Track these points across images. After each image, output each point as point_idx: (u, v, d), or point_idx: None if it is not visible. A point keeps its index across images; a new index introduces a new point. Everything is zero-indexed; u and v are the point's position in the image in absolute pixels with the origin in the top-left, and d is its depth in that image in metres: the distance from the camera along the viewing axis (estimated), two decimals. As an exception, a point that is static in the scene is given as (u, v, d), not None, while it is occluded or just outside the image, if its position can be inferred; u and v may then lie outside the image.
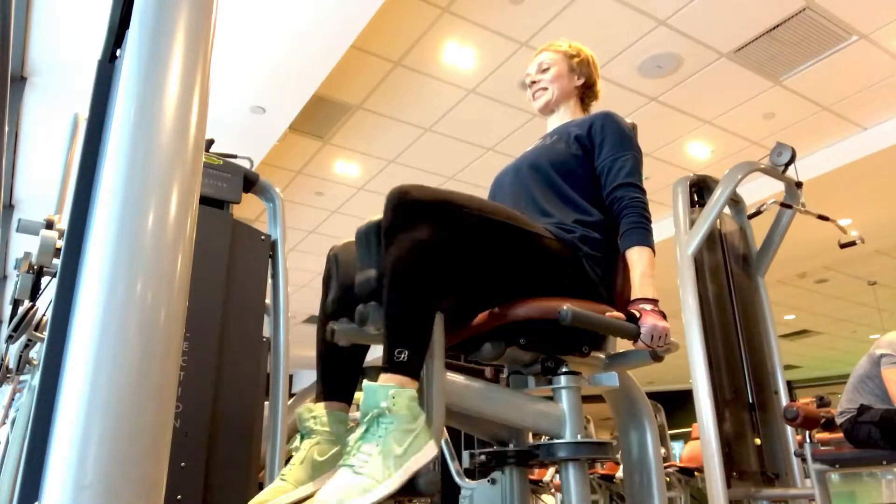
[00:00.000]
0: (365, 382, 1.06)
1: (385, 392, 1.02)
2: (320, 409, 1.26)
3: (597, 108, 1.70)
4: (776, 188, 3.74)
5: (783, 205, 3.08)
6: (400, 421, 1.01)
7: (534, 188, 1.49)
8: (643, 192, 1.42)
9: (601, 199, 1.45)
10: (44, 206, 3.74)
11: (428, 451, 1.03)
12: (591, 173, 1.48)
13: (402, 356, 1.05)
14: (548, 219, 1.40)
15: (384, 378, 1.05)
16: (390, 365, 1.05)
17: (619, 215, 1.39)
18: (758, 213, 3.16)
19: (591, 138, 1.50)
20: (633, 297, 1.30)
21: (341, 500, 0.93)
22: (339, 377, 1.33)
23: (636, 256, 1.33)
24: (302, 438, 1.25)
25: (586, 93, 1.73)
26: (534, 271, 1.29)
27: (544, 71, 1.71)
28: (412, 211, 1.12)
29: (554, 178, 1.48)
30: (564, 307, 1.14)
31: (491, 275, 1.26)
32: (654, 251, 1.35)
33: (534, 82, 1.72)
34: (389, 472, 0.98)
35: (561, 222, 1.38)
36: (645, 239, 1.35)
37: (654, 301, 1.28)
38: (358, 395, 1.21)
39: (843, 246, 3.20)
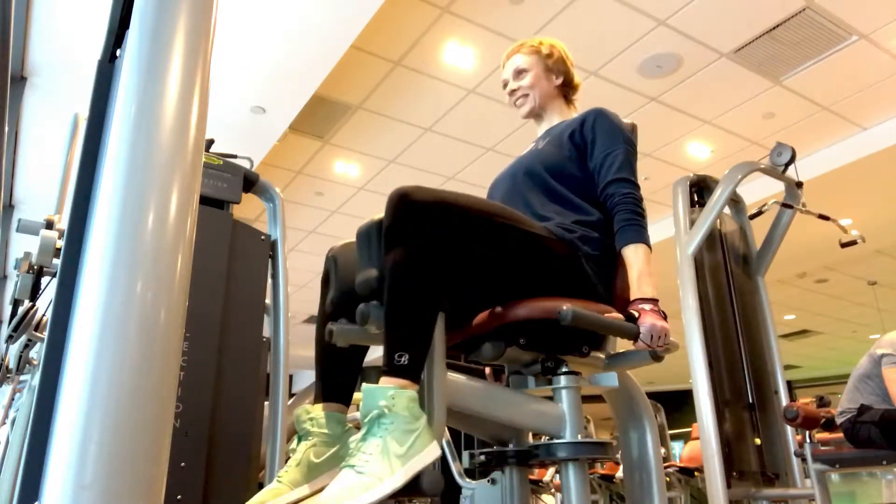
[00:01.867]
0: (364, 385, 1.05)
1: (384, 393, 1.02)
2: (317, 410, 1.27)
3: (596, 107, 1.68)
4: (776, 188, 3.74)
5: (784, 205, 3.08)
6: (400, 421, 1.01)
7: (530, 194, 1.48)
8: (636, 186, 1.41)
9: (598, 197, 1.44)
10: (44, 206, 3.74)
11: (430, 452, 1.03)
12: (587, 172, 1.47)
13: (403, 359, 1.04)
14: (546, 222, 1.38)
15: (384, 381, 1.05)
16: (390, 368, 1.05)
17: (612, 213, 1.38)
18: (759, 213, 3.16)
19: (584, 136, 1.49)
20: (632, 297, 1.29)
21: (343, 499, 0.93)
22: (337, 378, 1.33)
23: (632, 255, 1.32)
24: (299, 440, 1.26)
25: (567, 90, 1.71)
26: (534, 272, 1.28)
27: (521, 76, 1.68)
28: (413, 213, 1.12)
29: (550, 182, 1.47)
30: (564, 307, 1.14)
31: (492, 276, 1.25)
32: (649, 247, 1.34)
33: (513, 91, 1.69)
34: (391, 471, 0.98)
35: (560, 224, 1.38)
36: (639, 236, 1.33)
37: (653, 301, 1.27)
38: (357, 395, 1.21)
39: (843, 245, 3.20)
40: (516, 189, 1.52)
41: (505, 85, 1.72)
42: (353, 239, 1.27)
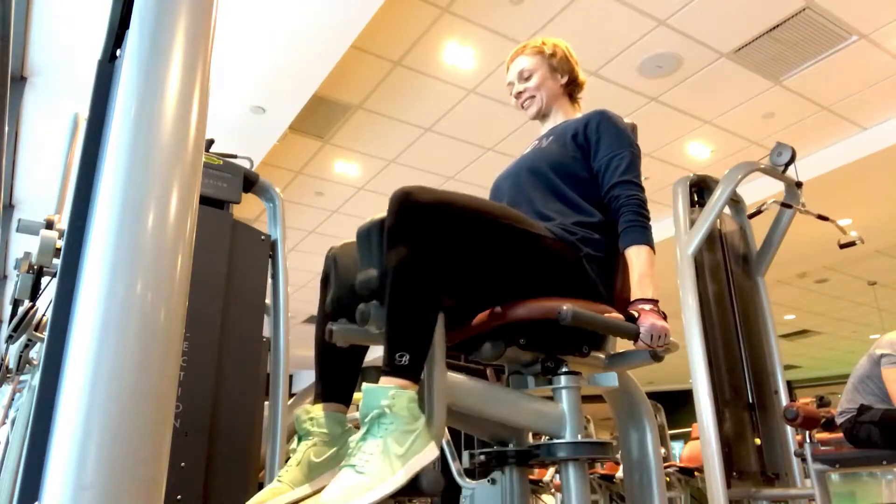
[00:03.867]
0: (364, 385, 1.06)
1: (385, 393, 1.02)
2: (317, 410, 1.27)
3: (597, 108, 1.69)
4: (776, 188, 3.74)
5: (783, 205, 3.08)
6: (400, 422, 1.02)
7: (533, 193, 1.48)
8: (641, 189, 1.41)
9: (601, 198, 1.44)
10: (44, 206, 3.74)
11: (429, 452, 1.04)
12: (590, 173, 1.47)
13: (403, 360, 1.05)
14: (548, 222, 1.39)
15: (384, 380, 1.05)
16: (391, 368, 1.05)
17: (617, 214, 1.38)
18: (758, 212, 3.16)
19: (588, 138, 1.49)
20: (632, 298, 1.30)
21: (345, 499, 0.94)
22: (337, 378, 1.33)
23: (634, 255, 1.32)
24: (299, 440, 1.26)
25: (572, 89, 1.71)
26: (534, 272, 1.28)
27: (527, 78, 1.67)
28: (416, 212, 1.12)
29: (553, 181, 1.47)
30: (564, 307, 1.14)
31: (493, 276, 1.26)
32: (653, 249, 1.34)
33: (520, 93, 1.69)
34: (392, 471, 0.99)
35: (562, 224, 1.38)
36: (643, 237, 1.34)
37: (653, 301, 1.28)
38: (357, 395, 1.21)
39: (842, 246, 3.20)
40: (519, 187, 1.53)
41: (510, 88, 1.72)
42: (354, 239, 1.27)
